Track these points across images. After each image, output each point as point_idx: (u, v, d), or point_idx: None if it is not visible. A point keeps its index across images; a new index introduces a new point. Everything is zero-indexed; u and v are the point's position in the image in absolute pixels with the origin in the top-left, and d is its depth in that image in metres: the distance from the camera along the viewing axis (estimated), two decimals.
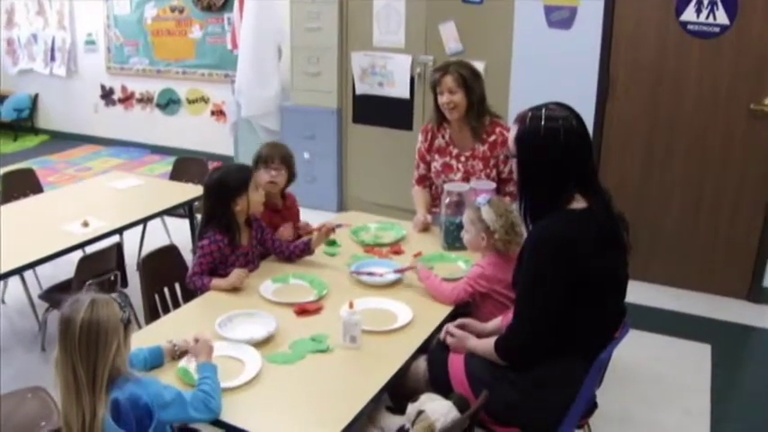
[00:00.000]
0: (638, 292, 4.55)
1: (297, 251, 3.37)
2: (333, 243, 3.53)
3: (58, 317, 2.06)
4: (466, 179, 3.76)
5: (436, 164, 3.88)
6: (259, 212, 3.33)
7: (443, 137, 3.86)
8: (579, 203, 2.39)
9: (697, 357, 4.12)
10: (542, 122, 2.37)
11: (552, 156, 2.36)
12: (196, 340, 2.40)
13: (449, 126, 3.84)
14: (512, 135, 2.48)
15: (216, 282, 3.07)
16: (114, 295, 2.13)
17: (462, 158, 3.80)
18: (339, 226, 3.49)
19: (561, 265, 2.31)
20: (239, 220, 3.21)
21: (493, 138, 3.75)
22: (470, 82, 3.67)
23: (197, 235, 3.29)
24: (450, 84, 3.65)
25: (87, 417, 1.98)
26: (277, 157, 3.61)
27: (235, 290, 3.04)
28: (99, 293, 2.12)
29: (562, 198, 2.39)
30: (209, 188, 3.22)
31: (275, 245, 3.38)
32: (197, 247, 3.18)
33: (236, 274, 3.07)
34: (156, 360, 2.44)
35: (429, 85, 3.84)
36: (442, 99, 3.67)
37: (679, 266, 4.94)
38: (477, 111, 3.72)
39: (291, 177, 3.71)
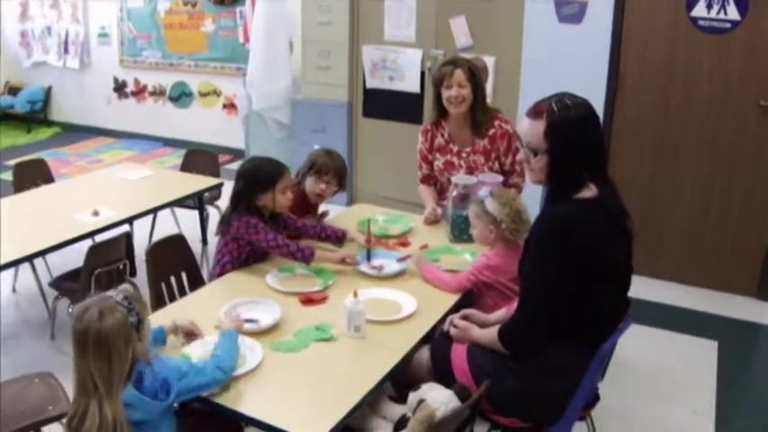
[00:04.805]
0: (647, 288, 4.58)
1: (333, 237, 3.38)
2: None
3: (72, 327, 2.09)
4: (469, 175, 3.75)
5: (438, 162, 3.89)
6: (286, 209, 3.32)
7: (442, 135, 3.86)
8: (590, 191, 2.39)
9: (704, 354, 4.11)
10: (573, 110, 2.36)
11: (585, 140, 2.37)
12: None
13: (447, 124, 3.84)
14: (534, 128, 2.40)
15: (320, 253, 3.13)
16: (120, 298, 2.13)
17: (463, 155, 3.81)
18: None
19: (564, 254, 2.32)
20: (263, 213, 3.21)
21: (492, 131, 3.76)
22: (478, 77, 3.71)
23: (221, 220, 3.29)
24: (460, 77, 3.65)
25: (106, 416, 2.02)
26: (332, 170, 3.60)
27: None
28: (105, 298, 2.13)
29: (577, 184, 2.40)
30: (239, 174, 3.23)
31: (305, 226, 3.39)
32: (246, 228, 3.11)
33: (345, 255, 3.15)
34: (158, 341, 2.46)
35: (433, 79, 3.83)
36: (450, 93, 3.66)
37: (688, 263, 4.92)
38: (483, 105, 3.75)
39: (340, 189, 3.72)
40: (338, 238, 3.38)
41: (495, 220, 2.94)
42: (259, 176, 3.17)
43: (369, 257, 3.25)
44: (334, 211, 3.91)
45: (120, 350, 2.05)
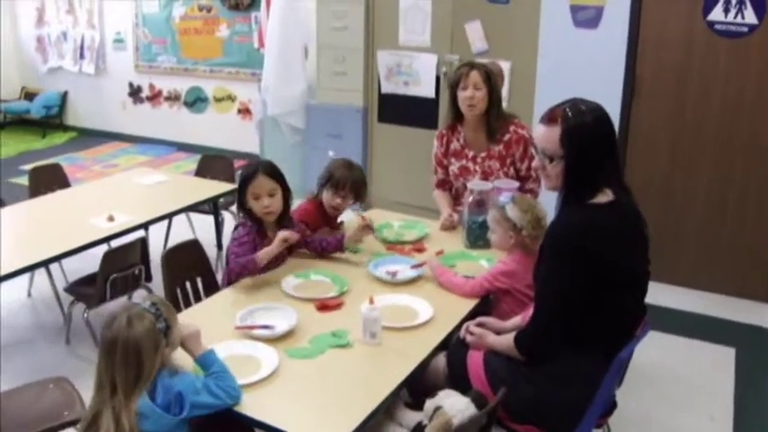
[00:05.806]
0: (663, 294, 4.54)
1: (330, 248, 3.37)
2: None
3: (100, 335, 2.10)
4: (484, 180, 3.73)
5: (453, 167, 3.87)
6: (266, 216, 3.25)
7: (458, 140, 3.85)
8: (606, 196, 2.39)
9: (721, 361, 4.08)
10: (588, 115, 2.36)
11: (600, 145, 2.36)
12: None
13: (463, 128, 3.83)
14: (549, 134, 2.39)
15: (263, 252, 3.07)
16: (148, 305, 2.15)
17: (479, 160, 3.79)
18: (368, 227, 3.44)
19: (578, 260, 2.31)
20: (267, 219, 3.20)
21: (507, 136, 3.74)
22: (494, 81, 3.69)
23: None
24: (476, 79, 3.64)
25: (123, 425, 2.02)
26: (349, 183, 3.53)
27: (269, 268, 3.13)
28: (133, 305, 2.15)
29: (592, 189, 2.39)
30: None
31: (307, 240, 3.38)
32: (233, 238, 3.18)
33: (281, 236, 3.09)
34: None
35: (449, 82, 3.82)
36: (465, 94, 3.64)
37: (704, 269, 4.88)
38: (498, 109, 3.72)
39: (358, 202, 3.69)
40: (338, 241, 3.37)
41: (515, 226, 2.92)
42: (240, 179, 3.19)
43: (374, 229, 3.43)
44: (349, 217, 3.90)
45: (149, 357, 2.06)
